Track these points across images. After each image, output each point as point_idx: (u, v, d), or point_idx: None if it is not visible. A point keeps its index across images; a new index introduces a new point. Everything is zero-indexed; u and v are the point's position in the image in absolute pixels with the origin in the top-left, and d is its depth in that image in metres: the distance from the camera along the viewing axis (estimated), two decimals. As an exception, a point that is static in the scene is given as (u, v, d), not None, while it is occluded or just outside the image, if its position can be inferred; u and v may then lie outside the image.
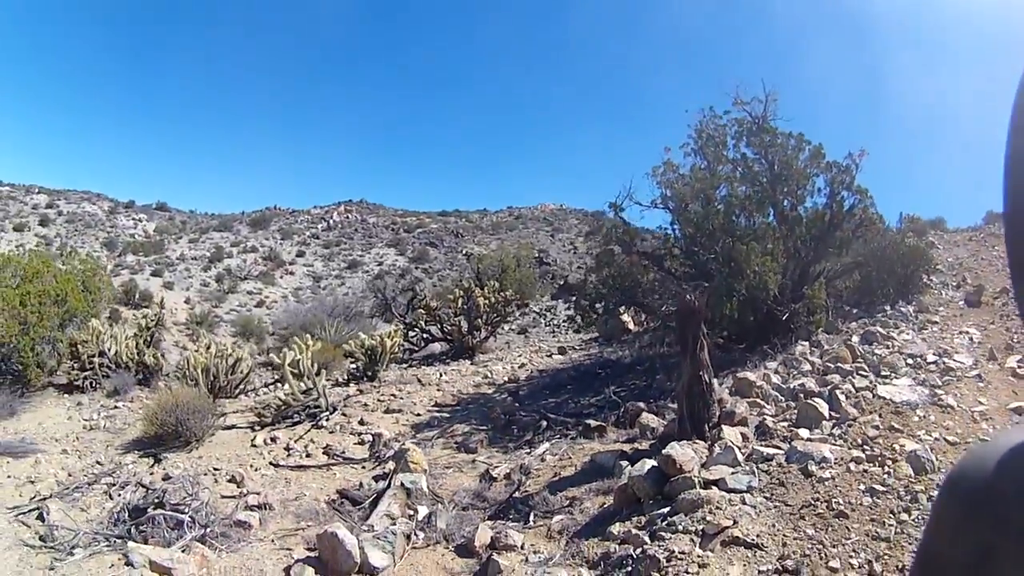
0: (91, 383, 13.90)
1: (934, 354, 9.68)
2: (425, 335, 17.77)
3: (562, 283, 25.20)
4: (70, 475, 8.90)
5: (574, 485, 6.98)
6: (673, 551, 4.70)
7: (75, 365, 14.38)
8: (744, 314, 11.49)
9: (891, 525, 4.77)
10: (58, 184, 64.44)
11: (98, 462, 9.63)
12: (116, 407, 12.68)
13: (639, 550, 4.86)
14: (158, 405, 10.09)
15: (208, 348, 13.88)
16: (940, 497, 0.90)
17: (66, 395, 13.31)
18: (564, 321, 18.86)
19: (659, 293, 13.28)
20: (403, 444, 8.40)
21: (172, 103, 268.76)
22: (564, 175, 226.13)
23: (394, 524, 5.95)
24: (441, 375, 14.38)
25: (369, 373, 14.39)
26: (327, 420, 10.92)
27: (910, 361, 9.33)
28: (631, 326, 16.44)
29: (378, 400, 12.27)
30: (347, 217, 66.47)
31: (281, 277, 50.66)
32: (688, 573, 4.47)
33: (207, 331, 22.93)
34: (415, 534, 6.01)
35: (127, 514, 7.14)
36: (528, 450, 8.58)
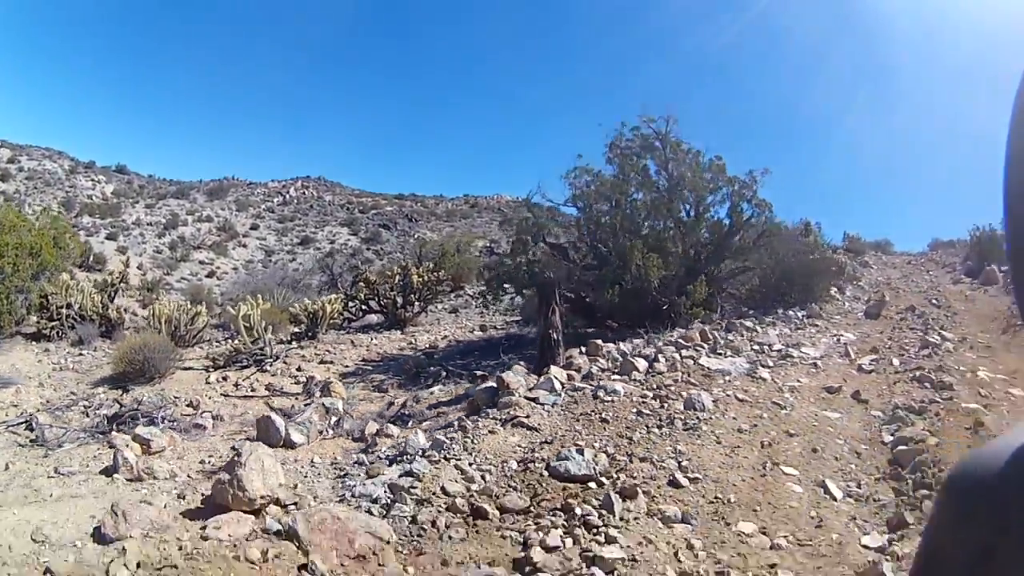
0: (57, 332, 15.34)
1: (783, 345, 11.61)
2: (364, 307, 19.83)
3: (494, 270, 27.48)
4: (49, 401, 10.50)
5: (446, 406, 9.29)
6: (478, 426, 7.10)
7: (43, 315, 15.77)
8: (627, 301, 13.73)
9: (640, 432, 6.92)
10: (20, 139, 64.54)
11: (72, 393, 11.30)
12: (81, 354, 14.25)
13: (461, 428, 7.26)
14: (128, 345, 12.17)
15: (171, 302, 16.11)
16: (941, 497, 0.95)
17: (34, 343, 14.82)
18: (475, 296, 21.28)
19: (566, 280, 15.62)
20: (329, 380, 10.77)
21: (137, 62, 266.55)
22: (521, 169, 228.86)
23: (311, 422, 8.29)
24: (372, 340, 16.46)
25: (310, 334, 16.57)
26: (270, 366, 13.04)
27: (755, 347, 11.24)
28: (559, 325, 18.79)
29: (315, 354, 14.43)
30: (304, 193, 67.71)
31: (234, 249, 52.01)
32: (481, 434, 6.83)
33: (158, 298, 24.67)
34: (326, 431, 8.27)
35: (106, 421, 9.28)
36: (427, 391, 10.88)
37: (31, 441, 8.53)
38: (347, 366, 13.37)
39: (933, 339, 12.57)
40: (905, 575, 4.27)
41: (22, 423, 9.04)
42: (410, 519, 4.87)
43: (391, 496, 5.26)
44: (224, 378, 12.32)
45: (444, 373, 11.47)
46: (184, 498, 6.14)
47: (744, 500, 5.35)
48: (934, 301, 17.65)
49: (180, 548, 4.47)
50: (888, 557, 4.50)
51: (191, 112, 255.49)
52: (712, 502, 5.31)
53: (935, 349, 11.70)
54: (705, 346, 10.97)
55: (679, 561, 4.43)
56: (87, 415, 9.97)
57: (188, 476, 6.93)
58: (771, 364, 10.24)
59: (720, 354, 10.46)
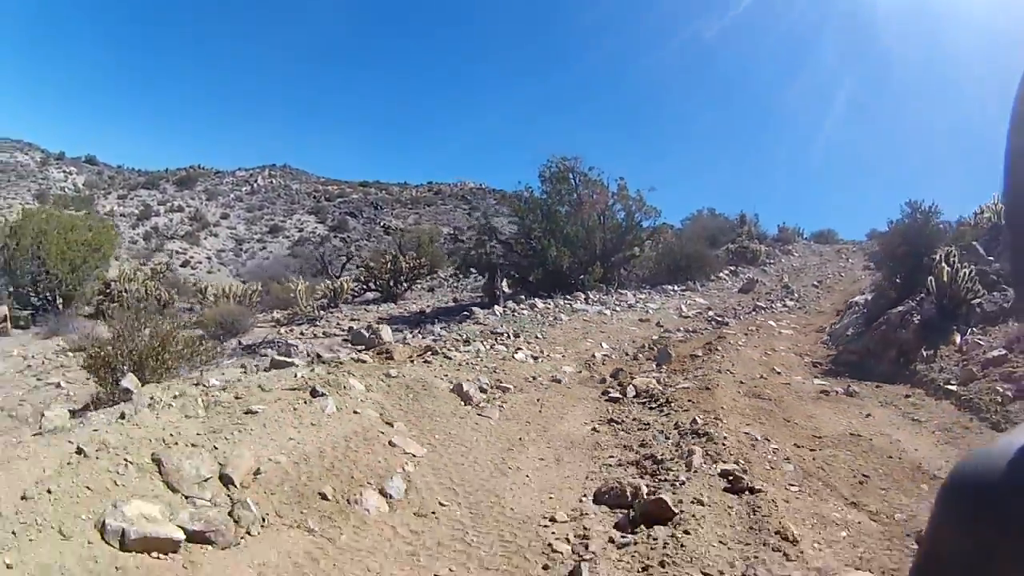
0: (115, 312, 20.35)
1: (635, 302, 20.75)
2: (365, 286, 28.95)
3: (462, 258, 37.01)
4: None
5: (442, 330, 18.50)
6: (462, 325, 16.42)
7: (104, 298, 22.11)
8: (548, 278, 23.29)
9: (529, 324, 15.82)
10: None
11: (185, 344, 19.95)
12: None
13: (457, 324, 16.68)
14: (215, 311, 20.14)
15: (238, 283, 25.17)
16: (941, 497, 1.02)
17: (97, 320, 19.75)
18: (449, 277, 31.00)
19: (510, 266, 25.29)
20: (370, 323, 20.11)
21: (103, 50, 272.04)
22: (484, 154, 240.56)
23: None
24: (378, 308, 25.38)
25: (332, 305, 25.74)
26: (318, 323, 22.22)
27: (617, 302, 20.46)
28: (505, 288, 28.15)
29: (344, 316, 23.51)
30: (271, 182, 73.97)
31: (205, 238, 58.32)
32: (464, 326, 16.12)
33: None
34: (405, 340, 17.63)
35: (241, 349, 18.14)
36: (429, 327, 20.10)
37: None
38: (368, 322, 22.23)
39: (768, 305, 20.97)
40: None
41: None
42: (441, 343, 13.90)
43: (432, 341, 14.54)
44: (290, 330, 21.14)
45: (435, 320, 20.80)
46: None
47: (562, 343, 14.23)
48: (816, 283, 26.36)
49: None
50: (602, 355, 13.59)
51: (154, 100, 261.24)
52: (549, 342, 14.13)
53: (761, 310, 20.05)
54: (580, 300, 20.31)
55: (530, 348, 13.06)
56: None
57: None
58: (617, 309, 19.36)
59: (588, 304, 19.78)
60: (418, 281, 30.49)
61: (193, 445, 5.47)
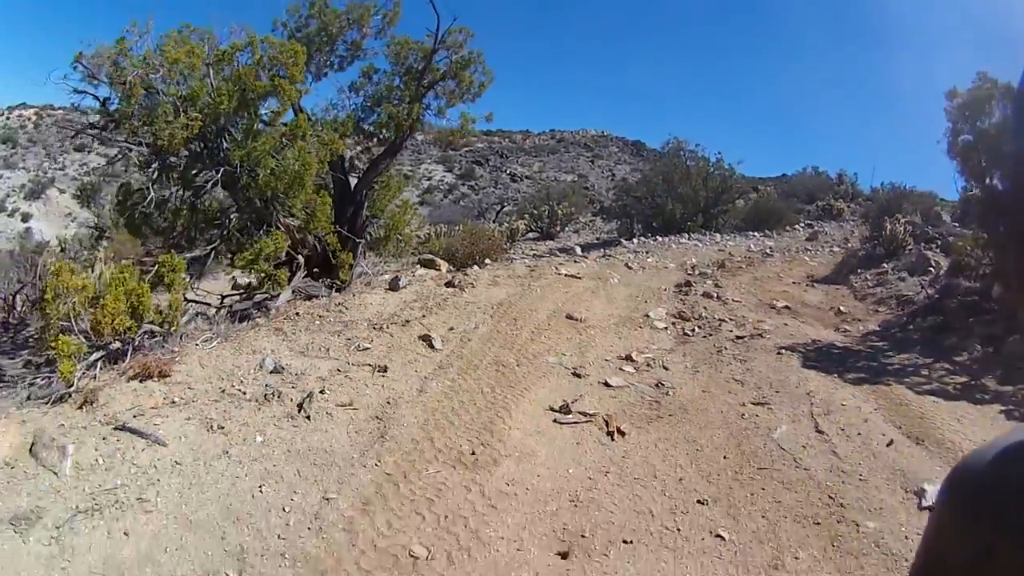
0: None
1: (720, 240, 37.66)
2: (528, 228, 45.51)
3: (600, 207, 54.13)
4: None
5: (593, 254, 36.51)
6: (617, 247, 34.60)
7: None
8: (664, 224, 40.92)
9: (646, 251, 33.57)
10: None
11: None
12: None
13: (611, 248, 34.85)
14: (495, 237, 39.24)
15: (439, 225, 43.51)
16: (941, 497, 1.17)
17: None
18: (601, 219, 48.98)
19: (638, 214, 43.42)
20: (554, 251, 38.34)
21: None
22: (607, 101, 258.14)
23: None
24: (545, 243, 41.56)
25: (512, 241, 42.90)
26: (510, 251, 39.36)
27: (708, 239, 37.45)
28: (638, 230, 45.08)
29: (527, 248, 40.60)
30: None
31: None
32: (615, 249, 34.28)
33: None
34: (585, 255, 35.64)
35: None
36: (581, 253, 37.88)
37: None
38: (543, 250, 38.58)
39: (816, 249, 35.85)
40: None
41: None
42: (610, 254, 31.59)
43: (602, 254, 32.51)
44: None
45: (591, 249, 38.32)
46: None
47: (671, 257, 30.22)
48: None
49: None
50: (690, 263, 30.80)
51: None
52: (664, 257, 30.75)
53: (808, 252, 35.40)
54: (684, 238, 37.43)
55: (655, 258, 30.10)
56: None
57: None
58: (708, 244, 35.78)
59: (689, 240, 36.49)
60: (567, 225, 47.15)
61: (561, 265, 23.85)
